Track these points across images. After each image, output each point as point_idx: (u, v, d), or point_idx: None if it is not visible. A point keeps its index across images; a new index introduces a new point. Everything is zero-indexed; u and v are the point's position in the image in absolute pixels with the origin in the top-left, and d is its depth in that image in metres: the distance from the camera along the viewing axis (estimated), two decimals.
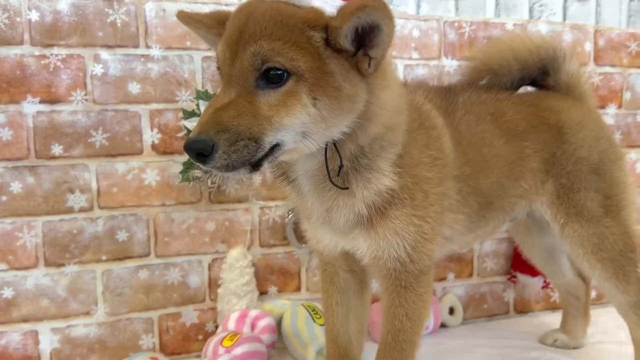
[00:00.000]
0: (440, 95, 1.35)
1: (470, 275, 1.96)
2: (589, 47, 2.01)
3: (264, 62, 0.93)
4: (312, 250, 1.42)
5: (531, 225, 1.64)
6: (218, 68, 1.02)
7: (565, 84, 1.49)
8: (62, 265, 1.57)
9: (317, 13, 0.96)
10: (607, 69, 2.04)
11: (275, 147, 0.96)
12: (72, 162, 1.55)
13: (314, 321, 1.57)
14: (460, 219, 1.29)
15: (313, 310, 1.62)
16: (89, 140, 1.56)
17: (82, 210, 1.57)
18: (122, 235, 1.61)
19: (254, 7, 0.98)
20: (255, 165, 0.96)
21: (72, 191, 1.56)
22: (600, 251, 1.38)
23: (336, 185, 1.07)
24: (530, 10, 1.97)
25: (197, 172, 1.58)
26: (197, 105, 1.57)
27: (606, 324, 1.89)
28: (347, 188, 1.08)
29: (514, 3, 1.95)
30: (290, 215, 1.72)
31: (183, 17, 1.12)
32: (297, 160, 1.08)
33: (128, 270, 1.62)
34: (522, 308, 2.03)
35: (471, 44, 1.88)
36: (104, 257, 1.60)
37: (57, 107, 1.53)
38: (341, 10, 0.94)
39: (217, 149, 0.90)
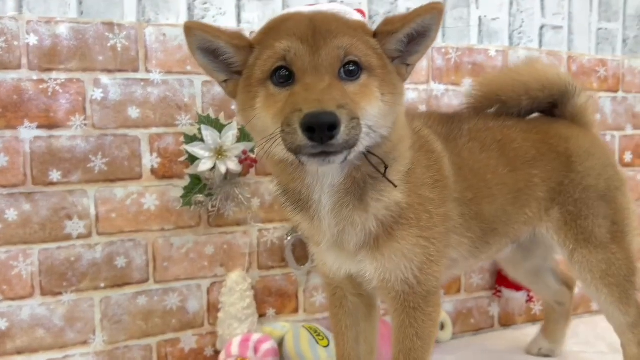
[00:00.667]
0: (441, 122, 1.39)
1: (459, 291, 2.03)
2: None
3: (346, 55, 0.99)
4: (319, 273, 1.44)
5: (515, 250, 1.66)
6: (276, 72, 1.00)
7: (571, 114, 1.53)
8: (59, 294, 1.52)
9: (364, 22, 1.08)
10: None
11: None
12: (70, 188, 1.52)
13: (317, 343, 1.59)
14: (464, 243, 1.32)
15: (315, 332, 1.63)
16: (88, 165, 1.53)
17: (80, 236, 1.54)
18: (120, 262, 1.58)
19: (309, 13, 1.05)
20: (350, 151, 0.96)
21: (70, 218, 1.52)
22: (608, 277, 1.43)
23: (389, 181, 1.09)
24: (510, 37, 2.08)
25: (199, 197, 1.57)
26: (199, 129, 1.57)
27: (586, 335, 1.99)
28: (397, 186, 1.11)
29: (495, 30, 2.05)
30: (289, 237, 1.73)
31: (198, 26, 1.05)
32: (324, 175, 1.08)
33: (127, 296, 1.60)
34: (506, 321, 2.11)
35: (457, 69, 1.96)
36: (102, 285, 1.57)
37: (55, 132, 1.49)
38: (399, 17, 1.05)
39: (341, 123, 0.90)
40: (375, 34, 1.05)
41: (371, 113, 0.99)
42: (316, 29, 0.99)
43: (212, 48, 1.06)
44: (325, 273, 1.30)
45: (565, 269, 1.81)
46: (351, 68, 0.99)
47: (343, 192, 1.10)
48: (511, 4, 2.07)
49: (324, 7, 1.09)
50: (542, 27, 2.13)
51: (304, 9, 1.08)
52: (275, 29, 1.04)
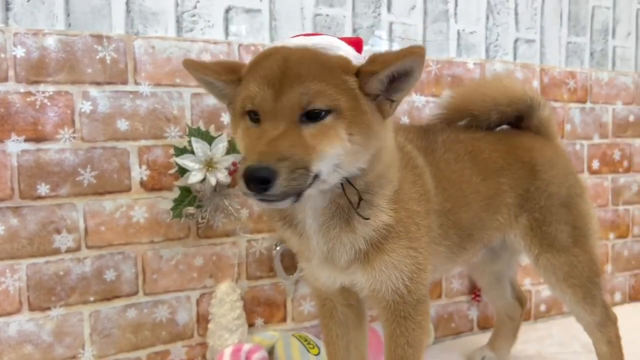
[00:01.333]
0: (420, 135, 1.45)
1: (440, 296, 2.09)
2: (536, 84, 2.22)
3: (310, 102, 1.00)
4: (310, 287, 1.47)
5: (485, 253, 1.71)
6: (250, 111, 1.05)
7: (535, 127, 1.62)
8: (48, 309, 1.50)
9: (347, 60, 1.06)
10: (551, 104, 2.26)
11: (315, 177, 1.01)
12: (59, 201, 1.50)
13: (309, 352, 1.62)
14: (441, 251, 1.38)
15: (305, 340, 1.66)
16: (77, 178, 1.52)
17: (69, 250, 1.52)
18: (110, 275, 1.57)
19: (287, 51, 1.06)
20: (299, 196, 1.00)
21: (58, 232, 1.51)
22: (571, 278, 1.51)
23: (360, 216, 1.13)
24: (487, 50, 2.16)
25: (190, 209, 1.58)
26: (189, 142, 1.57)
27: (560, 336, 2.08)
28: (369, 219, 1.15)
29: (472, 44, 2.13)
30: (277, 248, 1.75)
31: (191, 64, 1.16)
32: (308, 199, 1.11)
33: (116, 310, 1.59)
34: (484, 324, 2.18)
35: (437, 81, 2.02)
36: (91, 298, 1.56)
37: (43, 146, 1.48)
38: (382, 57, 1.06)
39: (278, 176, 0.94)
40: (358, 71, 1.05)
41: (332, 154, 1.01)
42: (286, 72, 1.01)
43: (207, 81, 1.15)
44: (317, 287, 1.33)
45: (520, 286, 1.92)
46: (316, 111, 1.01)
47: (328, 215, 1.15)
48: (487, 18, 2.15)
49: (314, 40, 1.09)
50: (516, 41, 2.22)
51: (293, 42, 1.09)
52: (256, 66, 1.07)
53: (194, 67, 1.15)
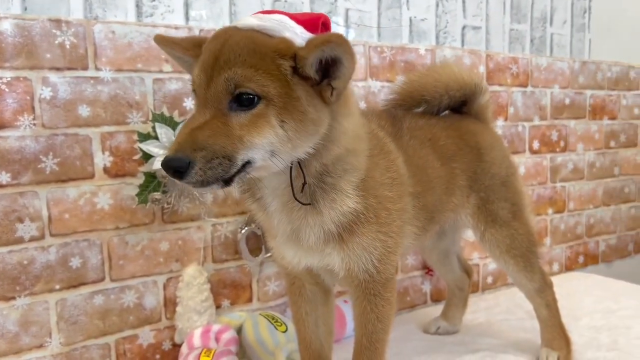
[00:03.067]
0: (389, 122, 1.50)
1: (396, 271, 2.19)
2: (482, 69, 2.34)
3: (237, 87, 1.00)
4: (278, 266, 1.52)
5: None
6: (193, 90, 1.08)
7: (474, 111, 1.74)
8: (12, 298, 1.48)
9: (287, 43, 1.04)
10: (496, 88, 2.40)
11: (246, 164, 1.03)
12: (20, 189, 1.47)
13: (276, 329, 1.68)
14: (413, 232, 1.45)
15: (273, 318, 1.72)
16: (39, 166, 1.49)
17: (32, 239, 1.50)
18: (75, 262, 1.57)
19: (229, 35, 1.06)
20: (228, 181, 1.03)
21: (21, 220, 1.48)
22: (512, 249, 1.64)
23: (299, 202, 1.16)
24: (437, 37, 2.26)
25: (156, 194, 1.59)
26: (153, 127, 1.58)
27: (507, 305, 2.24)
28: (310, 204, 1.17)
29: (424, 30, 2.22)
30: (242, 231, 1.79)
31: (160, 39, 1.18)
32: (264, 178, 1.14)
33: (83, 297, 1.59)
34: (437, 297, 2.32)
35: (391, 66, 2.10)
36: (57, 286, 1.54)
37: (2, 133, 1.44)
38: (308, 42, 1.04)
39: (194, 166, 0.97)
40: (295, 55, 1.02)
41: (262, 142, 1.02)
42: (218, 58, 1.01)
43: (177, 56, 1.17)
44: (284, 266, 1.37)
45: (467, 259, 2.06)
46: (249, 96, 1.00)
47: (288, 195, 1.17)
48: (437, 5, 2.25)
49: (263, 20, 1.06)
50: (463, 28, 2.33)
51: (244, 22, 1.08)
52: (206, 46, 1.08)
53: (163, 42, 1.17)
